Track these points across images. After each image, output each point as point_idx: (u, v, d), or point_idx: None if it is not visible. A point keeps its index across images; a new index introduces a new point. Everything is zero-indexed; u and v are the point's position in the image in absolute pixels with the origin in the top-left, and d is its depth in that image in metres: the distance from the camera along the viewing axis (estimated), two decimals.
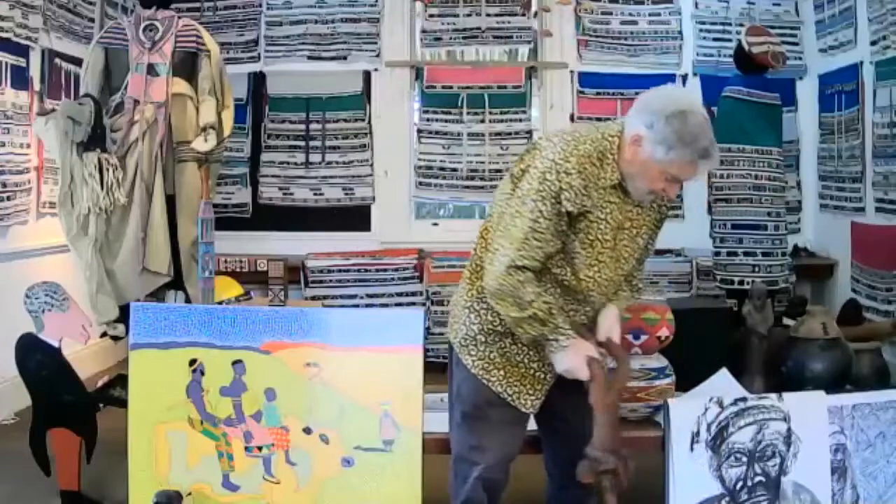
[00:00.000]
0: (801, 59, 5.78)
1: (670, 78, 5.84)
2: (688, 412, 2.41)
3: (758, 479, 2.39)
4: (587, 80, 5.85)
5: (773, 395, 2.46)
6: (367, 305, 5.33)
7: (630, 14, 5.89)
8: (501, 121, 5.82)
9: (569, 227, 2.11)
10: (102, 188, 3.92)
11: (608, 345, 2.21)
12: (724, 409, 2.42)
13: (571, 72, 5.84)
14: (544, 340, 2.10)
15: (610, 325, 2.24)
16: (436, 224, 5.98)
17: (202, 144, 4.12)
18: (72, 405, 3.07)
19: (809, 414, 2.45)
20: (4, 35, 4.20)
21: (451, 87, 5.84)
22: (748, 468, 2.39)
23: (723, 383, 2.76)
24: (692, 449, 2.39)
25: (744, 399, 2.44)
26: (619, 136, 2.12)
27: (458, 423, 2.34)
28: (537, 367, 2.24)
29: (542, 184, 2.06)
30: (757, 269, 4.74)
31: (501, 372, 2.23)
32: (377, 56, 5.88)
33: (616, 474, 2.05)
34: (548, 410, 2.31)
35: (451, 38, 5.89)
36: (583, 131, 2.16)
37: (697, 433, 2.40)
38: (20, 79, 4.39)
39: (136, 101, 4.09)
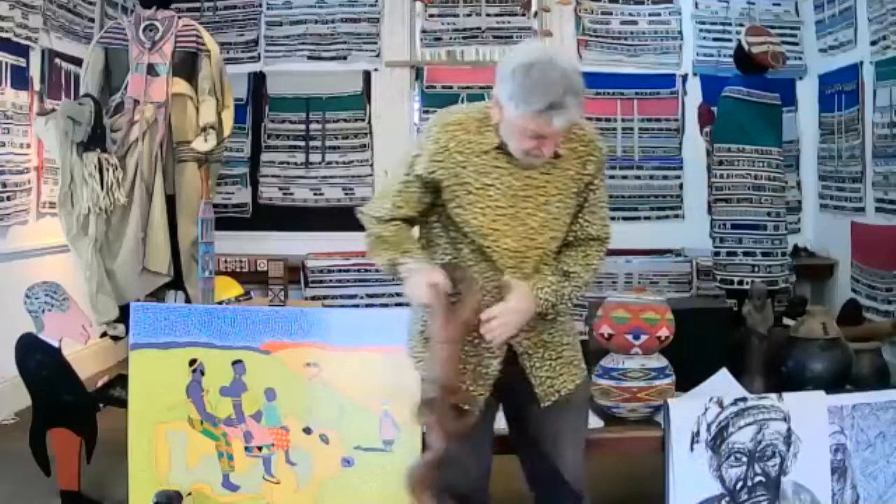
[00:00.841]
0: (801, 59, 5.79)
1: (670, 78, 5.86)
2: (688, 412, 2.41)
3: (758, 479, 2.40)
4: (587, 80, 5.64)
5: (773, 395, 2.46)
6: (367, 305, 5.33)
7: (630, 14, 5.89)
8: None
9: (446, 199, 2.07)
10: (102, 188, 3.92)
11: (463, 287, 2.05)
12: (724, 409, 2.42)
13: None
14: (396, 264, 2.09)
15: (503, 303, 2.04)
16: None
17: (202, 144, 4.12)
18: (72, 405, 3.07)
19: (809, 414, 2.45)
20: (4, 35, 4.21)
21: (451, 87, 5.84)
22: (748, 468, 2.39)
23: (723, 383, 2.76)
24: (692, 449, 2.39)
25: (744, 399, 2.44)
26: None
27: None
28: (476, 361, 2.11)
29: (409, 154, 2.13)
30: (756, 269, 4.73)
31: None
32: (377, 56, 5.88)
33: (437, 409, 1.93)
34: (516, 414, 2.23)
35: (451, 38, 5.89)
36: (476, 105, 2.16)
37: (697, 433, 2.40)
38: (20, 79, 4.39)
39: (136, 101, 4.09)
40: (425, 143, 2.08)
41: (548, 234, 2.08)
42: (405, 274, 2.06)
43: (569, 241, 2.15)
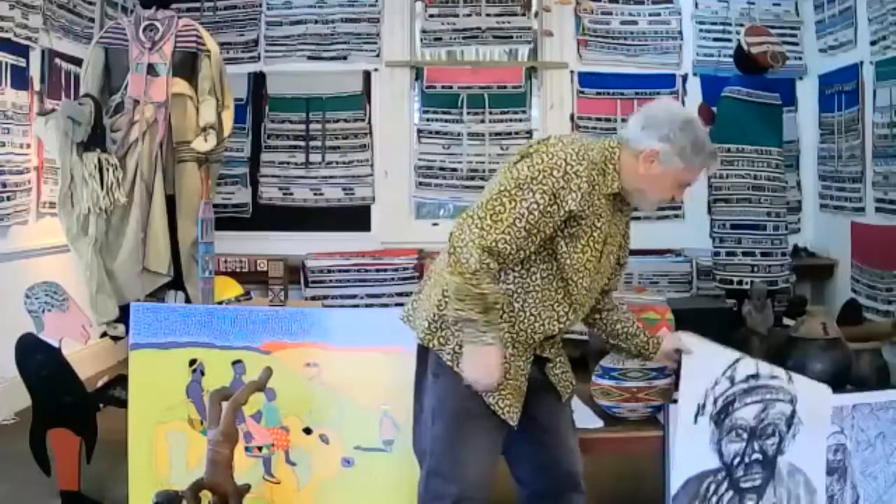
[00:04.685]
0: (801, 59, 5.79)
1: (670, 78, 5.85)
2: (698, 383, 2.37)
3: (755, 456, 2.39)
4: (587, 80, 5.85)
5: (784, 375, 2.42)
6: (367, 305, 5.33)
7: (630, 14, 5.89)
8: (501, 121, 5.83)
9: (561, 230, 2.09)
10: (102, 188, 3.92)
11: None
12: (735, 384, 2.39)
13: (571, 72, 5.84)
14: (473, 326, 2.00)
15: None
16: (436, 224, 5.98)
17: (202, 144, 4.13)
18: (72, 405, 3.07)
19: (815, 402, 2.45)
20: (4, 35, 4.21)
21: (450, 88, 5.84)
22: (748, 445, 2.38)
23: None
24: (696, 421, 2.36)
25: (756, 376, 2.39)
26: (618, 147, 2.15)
27: (439, 436, 2.18)
28: (523, 379, 2.17)
29: (546, 178, 2.03)
30: (756, 269, 4.74)
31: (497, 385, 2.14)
32: (377, 56, 5.88)
33: None
34: (526, 418, 2.23)
35: (451, 38, 5.89)
36: (586, 141, 2.18)
37: (703, 405, 2.37)
38: (20, 79, 4.39)
39: (136, 101, 4.09)
40: (576, 180, 2.04)
41: (608, 277, 2.28)
42: (479, 346, 2.03)
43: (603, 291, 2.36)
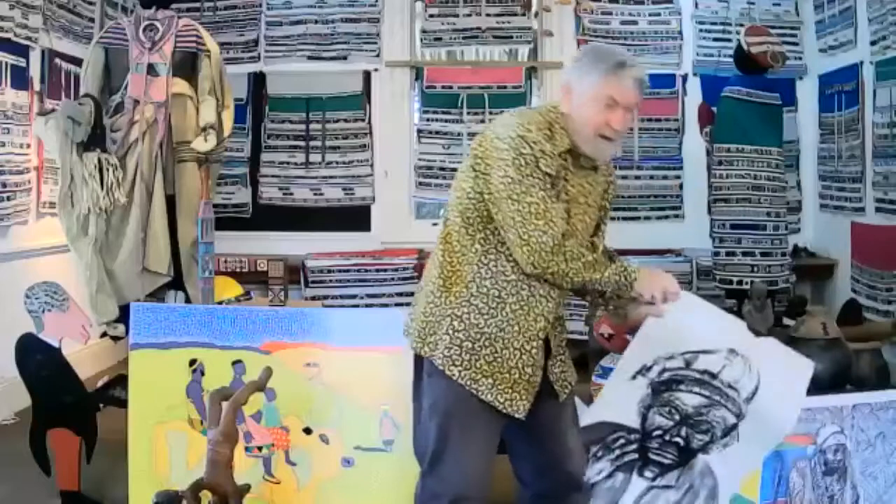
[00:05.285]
0: (801, 59, 5.78)
1: (670, 78, 5.85)
2: (655, 347, 2.25)
3: (677, 439, 2.30)
4: None
5: (746, 392, 2.23)
6: (367, 305, 5.33)
7: (630, 14, 5.89)
8: None
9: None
10: (102, 188, 3.92)
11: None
12: (689, 369, 2.27)
13: None
14: (622, 277, 2.07)
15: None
16: (436, 224, 5.95)
17: (202, 144, 4.12)
18: (72, 405, 3.07)
19: (771, 431, 2.26)
20: (4, 35, 4.20)
21: (450, 88, 5.84)
22: (675, 427, 2.30)
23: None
24: (634, 377, 2.29)
25: (714, 376, 2.25)
26: (556, 108, 2.18)
27: (434, 436, 2.17)
28: (531, 371, 2.16)
29: (521, 158, 2.05)
30: (756, 269, 4.74)
31: (490, 380, 2.12)
32: (377, 56, 5.88)
33: None
34: (532, 416, 2.21)
35: (451, 38, 5.89)
36: (525, 110, 2.22)
37: (649, 368, 2.28)
38: (20, 79, 4.39)
39: (136, 101, 4.09)
40: (538, 146, 2.06)
41: (582, 240, 2.21)
42: (642, 275, 2.09)
43: None
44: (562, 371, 2.27)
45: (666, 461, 2.32)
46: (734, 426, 2.25)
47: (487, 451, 2.19)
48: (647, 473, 2.31)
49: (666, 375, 2.27)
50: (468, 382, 2.12)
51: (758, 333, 2.25)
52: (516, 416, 2.14)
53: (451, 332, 2.14)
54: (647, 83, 2.14)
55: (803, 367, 2.25)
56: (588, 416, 2.33)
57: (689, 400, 2.27)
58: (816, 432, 2.55)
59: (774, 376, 2.22)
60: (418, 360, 2.26)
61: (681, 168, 5.88)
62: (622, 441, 2.34)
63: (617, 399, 2.31)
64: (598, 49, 2.19)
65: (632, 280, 2.07)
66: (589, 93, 2.08)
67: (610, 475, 2.34)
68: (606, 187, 2.30)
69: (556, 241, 2.03)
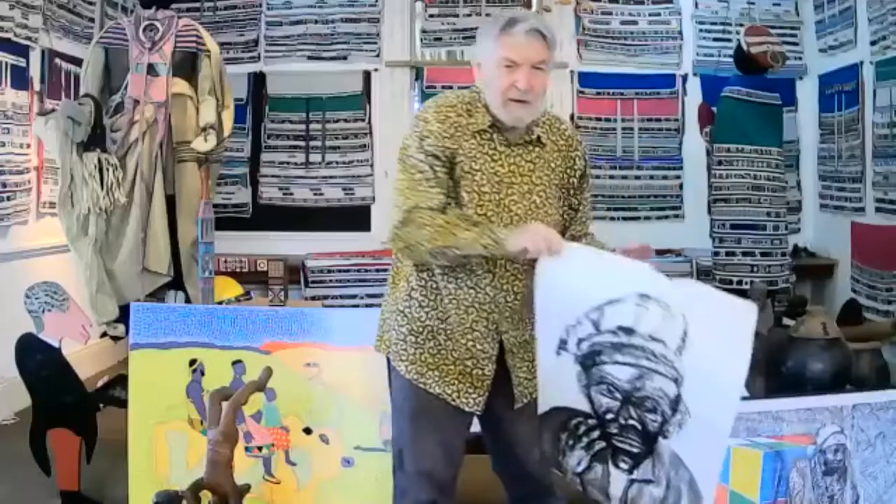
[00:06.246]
0: (801, 59, 5.79)
1: (670, 78, 5.86)
2: (558, 314, 2.00)
3: (632, 422, 1.99)
4: (587, 80, 5.86)
5: (675, 341, 1.87)
6: (367, 305, 5.32)
7: (630, 14, 5.89)
8: None
9: (449, 177, 2.05)
10: (102, 188, 3.92)
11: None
12: (601, 332, 1.96)
13: (571, 72, 5.85)
14: (487, 237, 1.94)
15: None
16: None
17: (202, 144, 4.12)
18: (72, 405, 3.07)
19: (713, 385, 1.86)
20: (4, 35, 4.21)
21: (450, 87, 5.82)
22: (622, 407, 1.99)
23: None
24: (558, 353, 2.03)
25: (630, 332, 1.92)
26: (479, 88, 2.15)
27: (396, 435, 2.19)
28: (472, 363, 2.10)
29: (409, 139, 2.07)
30: (755, 269, 4.74)
31: (436, 372, 2.10)
32: (377, 56, 5.88)
33: None
34: (491, 414, 2.18)
35: (451, 38, 5.89)
36: (454, 92, 2.19)
37: (566, 342, 2.01)
38: (20, 79, 4.39)
39: (136, 101, 4.09)
40: (426, 126, 2.06)
41: (532, 222, 2.07)
42: (503, 238, 1.94)
43: (575, 234, 2.19)
44: (527, 378, 2.14)
45: (634, 449, 2.02)
46: (678, 397, 1.91)
47: (447, 446, 2.13)
48: (622, 465, 2.05)
49: (584, 346, 1.99)
50: (415, 377, 2.11)
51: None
52: (467, 409, 2.10)
53: (397, 327, 2.16)
54: (547, 33, 2.02)
55: (743, 310, 1.84)
56: (542, 405, 2.13)
57: (619, 373, 1.96)
58: (816, 432, 2.55)
59: (705, 320, 1.85)
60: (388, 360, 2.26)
61: (681, 168, 5.88)
62: (583, 427, 2.08)
63: (555, 379, 2.06)
64: (493, 17, 2.11)
65: (499, 237, 1.93)
66: (489, 61, 2.05)
67: (589, 467, 2.11)
68: (571, 164, 2.15)
69: (406, 212, 1.99)
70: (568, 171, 2.15)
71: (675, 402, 1.91)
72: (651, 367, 1.91)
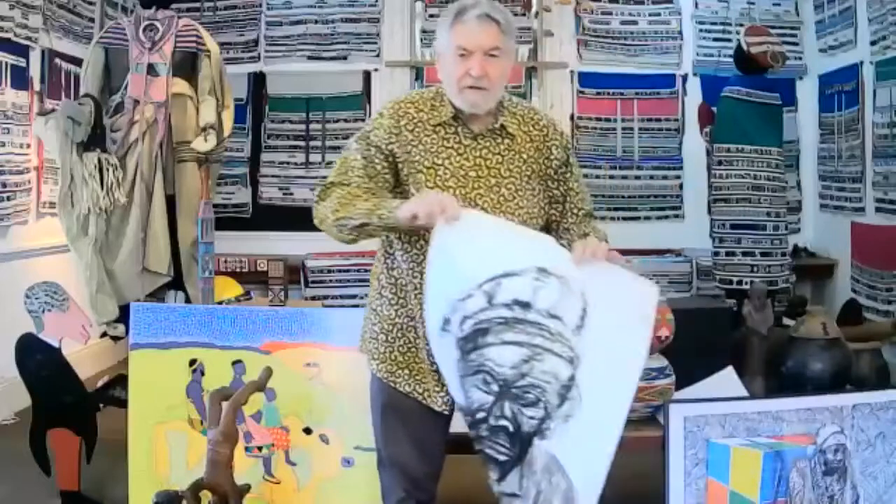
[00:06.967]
0: (801, 59, 5.79)
1: (670, 78, 5.86)
2: (445, 289, 1.82)
3: (503, 423, 1.74)
4: (587, 80, 5.86)
5: (573, 312, 1.71)
6: None
7: (630, 14, 5.89)
8: None
9: (394, 173, 2.04)
10: (102, 188, 3.92)
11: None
12: (492, 307, 1.74)
13: (571, 72, 5.84)
14: (380, 207, 1.92)
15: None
16: None
17: (202, 144, 4.12)
18: (72, 405, 3.07)
19: (619, 368, 1.71)
20: (4, 35, 4.21)
21: None
22: (495, 402, 1.74)
23: (726, 382, 2.69)
24: (441, 335, 1.84)
25: (526, 306, 1.72)
26: None
27: (376, 430, 2.18)
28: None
29: (363, 129, 2.11)
30: (755, 269, 4.73)
31: (406, 371, 2.06)
32: (377, 56, 5.88)
33: None
34: None
35: None
36: (422, 90, 2.20)
37: (449, 321, 1.80)
38: (20, 79, 4.39)
39: (136, 101, 4.09)
40: (379, 118, 2.08)
41: (503, 216, 2.03)
42: (408, 201, 1.89)
43: (569, 226, 2.13)
44: None
45: (501, 457, 1.78)
46: (571, 380, 1.71)
47: (419, 444, 2.10)
48: (493, 475, 1.81)
49: (469, 326, 1.74)
50: (385, 375, 2.09)
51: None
52: (435, 408, 2.05)
53: (370, 326, 2.15)
54: (500, 18, 2.02)
55: (645, 289, 1.78)
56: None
57: (502, 356, 1.72)
58: (816, 432, 2.54)
59: (606, 298, 1.75)
60: None
61: (681, 168, 5.89)
62: (481, 416, 1.82)
63: (446, 361, 1.84)
64: (448, 7, 2.08)
65: (391, 206, 1.89)
66: (446, 51, 2.04)
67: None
68: (547, 154, 2.08)
69: (323, 188, 2.06)
70: (544, 161, 2.08)
71: (566, 388, 1.73)
72: (545, 346, 1.74)
